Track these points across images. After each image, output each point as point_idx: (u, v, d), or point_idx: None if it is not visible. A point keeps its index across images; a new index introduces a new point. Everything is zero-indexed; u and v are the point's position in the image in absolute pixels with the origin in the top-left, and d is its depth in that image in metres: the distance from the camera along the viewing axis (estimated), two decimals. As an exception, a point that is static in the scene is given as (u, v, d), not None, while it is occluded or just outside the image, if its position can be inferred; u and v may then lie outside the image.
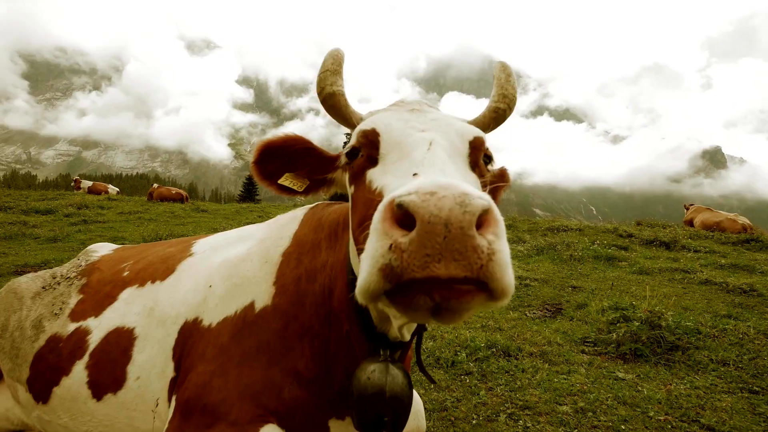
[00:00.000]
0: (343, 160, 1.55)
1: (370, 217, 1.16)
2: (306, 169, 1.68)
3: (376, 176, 1.35)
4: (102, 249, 2.86)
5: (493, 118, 1.68)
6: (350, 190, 1.52)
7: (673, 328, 3.92)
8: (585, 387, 2.98)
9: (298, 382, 1.70)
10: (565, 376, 3.18)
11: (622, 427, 2.47)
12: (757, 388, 3.04)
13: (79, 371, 2.06)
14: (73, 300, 2.32)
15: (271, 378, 1.69)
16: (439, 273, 0.84)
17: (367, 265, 0.93)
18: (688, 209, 16.27)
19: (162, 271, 2.23)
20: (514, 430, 2.42)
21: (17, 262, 7.99)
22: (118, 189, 26.60)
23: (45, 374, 2.14)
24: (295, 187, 1.69)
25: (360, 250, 1.26)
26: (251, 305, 1.85)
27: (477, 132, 1.46)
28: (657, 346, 3.76)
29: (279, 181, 1.67)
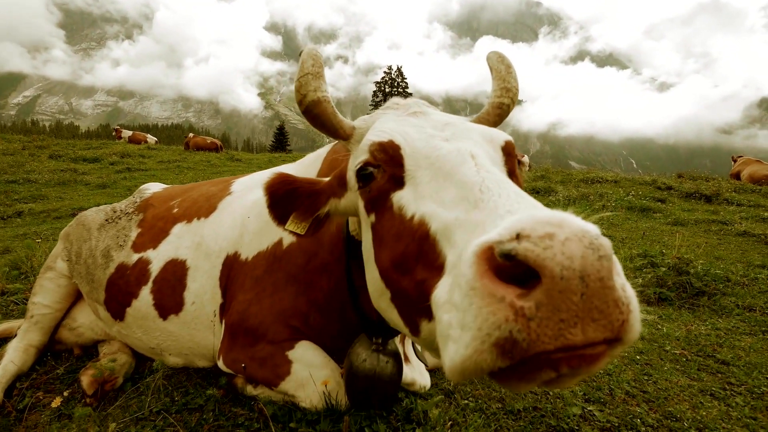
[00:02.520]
0: (354, 184, 1.33)
1: (411, 256, 1.06)
2: (301, 209, 1.48)
3: (408, 201, 1.13)
4: (153, 187, 3.15)
5: (498, 114, 1.56)
6: (368, 219, 1.29)
7: (701, 275, 3.95)
8: (605, 324, 3.13)
9: (319, 311, 1.92)
10: (586, 314, 3.34)
11: (638, 357, 2.62)
12: (780, 332, 3.09)
13: (146, 295, 2.36)
14: (134, 233, 2.61)
15: (298, 306, 1.93)
16: (576, 340, 0.67)
17: (469, 338, 0.73)
18: (735, 161, 15.37)
19: (206, 208, 2.47)
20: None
21: (73, 205, 8.62)
22: (156, 138, 27.42)
23: (118, 297, 2.47)
24: (298, 230, 1.50)
25: (401, 295, 1.13)
26: (280, 242, 2.06)
27: (505, 135, 1.30)
28: (683, 291, 3.82)
29: (286, 227, 1.49)
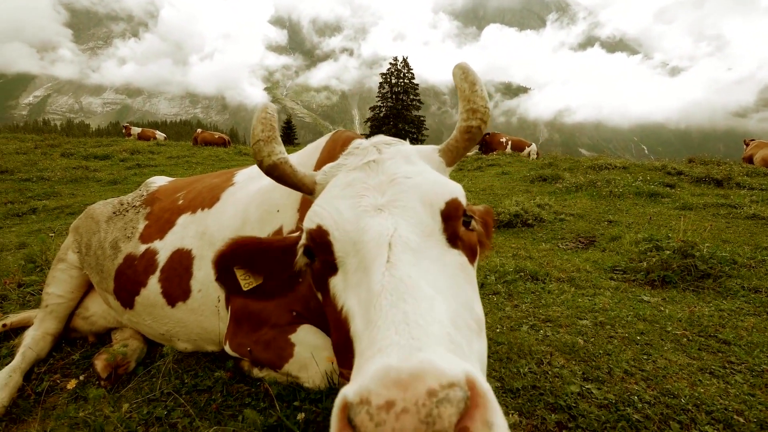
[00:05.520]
0: (301, 260, 1.37)
1: (343, 349, 1.13)
2: (272, 268, 1.45)
3: (339, 290, 1.17)
4: (159, 180, 3.24)
5: (467, 139, 1.45)
6: (318, 296, 1.37)
7: (706, 257, 3.93)
8: (608, 306, 3.15)
9: (308, 285, 1.96)
10: (589, 298, 3.35)
11: (638, 338, 2.65)
12: (784, 312, 3.08)
13: (154, 284, 2.44)
14: (141, 225, 2.69)
15: (299, 291, 1.97)
16: None
17: None
18: (748, 145, 15.09)
19: (209, 199, 2.54)
20: (534, 337, 2.66)
21: (85, 201, 8.78)
22: (165, 135, 27.66)
23: (126, 286, 2.55)
24: (242, 282, 1.46)
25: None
26: (280, 230, 2.11)
27: (450, 193, 1.23)
28: (687, 273, 3.81)
29: (245, 288, 1.46)
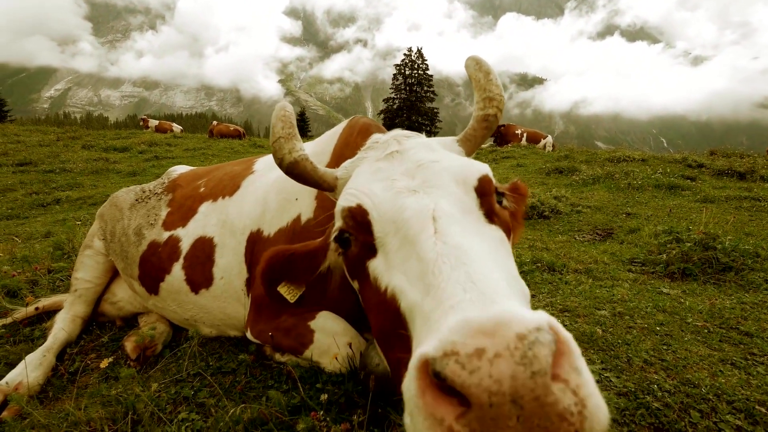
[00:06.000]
0: (334, 248, 1.34)
1: (390, 331, 1.08)
2: (301, 270, 1.47)
3: (381, 272, 1.14)
4: (180, 169, 3.29)
5: (485, 128, 1.48)
6: (354, 284, 1.34)
7: (728, 250, 3.87)
8: (626, 297, 3.13)
9: (337, 285, 2.00)
10: (607, 289, 3.34)
11: (657, 328, 2.63)
12: (809, 306, 3.03)
13: (178, 271, 2.50)
14: (164, 212, 2.75)
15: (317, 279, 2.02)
16: None
17: None
18: (773, 136, 14.66)
19: (230, 187, 2.58)
20: (553, 327, 2.67)
21: (107, 192, 8.99)
22: (181, 127, 28.02)
23: (151, 273, 2.62)
24: (288, 297, 1.51)
25: (390, 363, 1.18)
26: (298, 218, 2.14)
27: (479, 171, 1.23)
28: (708, 266, 3.76)
29: (278, 289, 1.50)
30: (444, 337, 0.69)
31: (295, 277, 1.48)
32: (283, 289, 1.49)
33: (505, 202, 1.32)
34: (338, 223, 1.27)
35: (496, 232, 1.17)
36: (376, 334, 1.20)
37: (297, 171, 1.47)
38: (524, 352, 0.64)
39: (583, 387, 0.66)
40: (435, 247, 0.99)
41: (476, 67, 1.49)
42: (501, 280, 0.91)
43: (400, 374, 1.12)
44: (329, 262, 1.42)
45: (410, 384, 0.72)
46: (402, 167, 1.27)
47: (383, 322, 1.11)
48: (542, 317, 0.69)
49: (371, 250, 1.18)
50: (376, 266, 1.15)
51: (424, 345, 0.73)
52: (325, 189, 1.50)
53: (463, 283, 0.87)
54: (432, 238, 1.01)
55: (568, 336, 0.70)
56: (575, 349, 0.69)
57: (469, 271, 0.90)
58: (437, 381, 0.68)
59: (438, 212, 1.08)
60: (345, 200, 1.24)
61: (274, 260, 1.44)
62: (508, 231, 1.27)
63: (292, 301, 1.51)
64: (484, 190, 1.20)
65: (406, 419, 0.75)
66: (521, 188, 1.54)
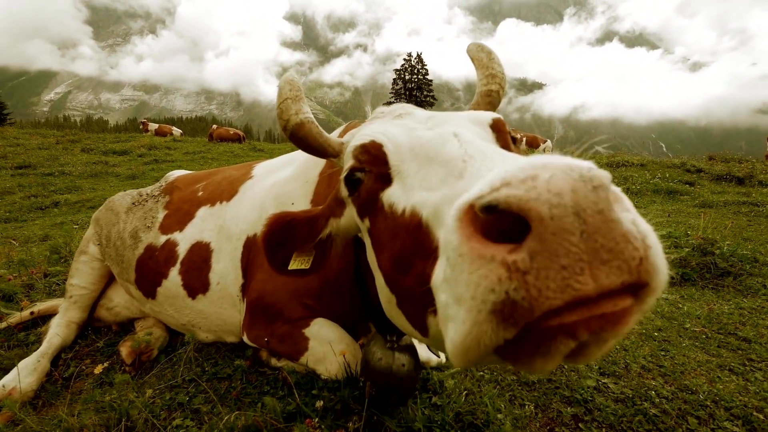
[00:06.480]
0: (344, 192, 1.29)
1: (408, 251, 1.00)
2: (302, 237, 1.45)
3: (397, 197, 1.08)
4: (178, 174, 3.28)
5: (488, 103, 1.53)
6: (363, 226, 1.27)
7: (726, 255, 3.87)
8: (624, 303, 3.13)
9: (330, 289, 1.98)
10: (605, 294, 3.33)
11: (655, 334, 2.63)
12: (808, 311, 3.02)
13: (174, 275, 2.48)
14: (161, 215, 2.73)
15: (311, 284, 1.99)
16: (587, 290, 0.57)
17: (465, 311, 0.64)
18: (771, 142, 14.72)
19: (228, 192, 2.56)
20: (550, 332, 2.66)
21: (105, 195, 8.97)
22: (181, 131, 28.05)
23: (148, 276, 2.60)
24: (303, 266, 1.48)
25: (406, 296, 1.07)
26: None
27: (492, 114, 1.26)
28: (706, 271, 3.76)
29: (290, 267, 1.47)
30: (491, 179, 0.63)
31: (294, 244, 1.45)
32: (294, 264, 1.45)
33: (513, 148, 1.32)
34: (348, 162, 1.23)
35: None
36: (389, 266, 1.11)
37: (302, 133, 1.43)
38: (581, 173, 0.59)
39: (642, 223, 0.61)
40: (461, 147, 0.98)
41: (478, 49, 1.59)
42: None
43: (408, 309, 1.10)
44: (330, 229, 1.42)
45: (451, 236, 0.67)
46: (412, 120, 1.28)
47: (401, 246, 1.03)
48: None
49: (386, 181, 1.13)
50: (392, 193, 1.10)
51: (463, 197, 0.67)
52: (331, 154, 1.46)
53: (499, 158, 0.87)
54: (456, 144, 1.00)
55: (617, 188, 0.64)
56: (623, 196, 0.63)
57: (504, 153, 0.91)
58: (485, 222, 0.62)
59: (459, 133, 1.06)
60: (358, 140, 1.22)
61: (275, 225, 1.43)
62: None
63: (307, 268, 1.47)
64: (499, 128, 1.22)
65: (445, 272, 0.70)
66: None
